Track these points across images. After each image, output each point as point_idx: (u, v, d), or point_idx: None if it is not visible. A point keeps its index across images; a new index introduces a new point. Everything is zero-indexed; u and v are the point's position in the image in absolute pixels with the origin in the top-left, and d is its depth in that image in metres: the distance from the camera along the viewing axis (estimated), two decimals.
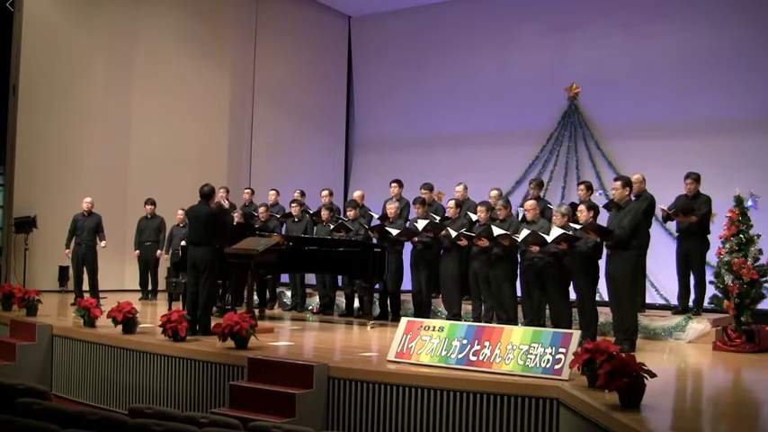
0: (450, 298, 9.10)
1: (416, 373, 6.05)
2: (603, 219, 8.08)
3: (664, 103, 12.53)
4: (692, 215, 8.39)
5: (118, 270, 12.33)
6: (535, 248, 7.77)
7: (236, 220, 10.54)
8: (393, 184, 10.32)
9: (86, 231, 10.59)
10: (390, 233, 9.29)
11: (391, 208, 9.75)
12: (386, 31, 15.81)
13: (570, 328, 7.29)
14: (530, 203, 8.37)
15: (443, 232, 8.91)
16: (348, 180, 16.31)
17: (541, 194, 10.15)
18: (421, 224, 9.21)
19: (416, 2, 15.01)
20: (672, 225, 9.45)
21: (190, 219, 8.37)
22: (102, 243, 10.73)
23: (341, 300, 10.65)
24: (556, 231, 7.54)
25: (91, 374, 7.88)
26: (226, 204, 10.65)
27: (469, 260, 8.87)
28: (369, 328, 8.99)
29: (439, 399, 5.84)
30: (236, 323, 6.93)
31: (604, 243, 7.38)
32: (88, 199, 10.75)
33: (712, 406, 5.55)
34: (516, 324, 7.92)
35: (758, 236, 7.80)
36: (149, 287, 11.78)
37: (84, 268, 10.57)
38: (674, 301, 9.46)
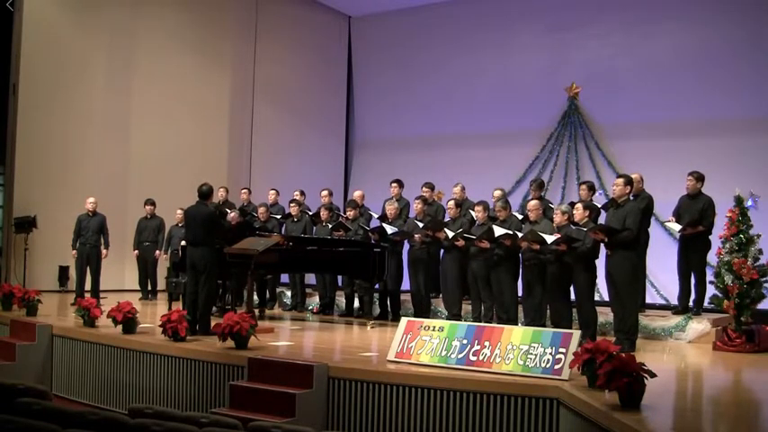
0: (451, 298, 9.09)
1: (416, 373, 6.05)
2: (603, 219, 8.09)
3: (664, 103, 12.53)
4: (699, 226, 8.41)
5: (118, 270, 12.31)
6: (536, 246, 7.77)
7: (234, 219, 10.55)
8: (393, 185, 10.33)
9: (90, 231, 10.60)
10: (386, 230, 9.30)
11: (391, 208, 9.75)
12: (386, 31, 15.82)
13: (570, 328, 7.28)
14: (533, 204, 8.37)
15: (442, 234, 8.91)
16: (348, 180, 16.32)
17: (542, 194, 10.14)
18: (420, 224, 9.24)
19: (416, 2, 15.01)
20: (671, 225, 9.45)
21: (188, 219, 8.35)
22: (104, 251, 10.73)
23: (341, 300, 10.65)
24: (551, 238, 7.54)
25: (91, 374, 7.88)
26: (232, 216, 10.63)
27: (468, 260, 8.87)
28: (369, 328, 8.99)
29: (439, 399, 5.84)
30: (236, 323, 6.92)
31: (604, 243, 7.37)
32: (92, 199, 10.74)
33: (712, 406, 5.55)
34: (516, 324, 7.93)
35: (758, 236, 7.80)
36: (149, 287, 11.79)
37: (88, 268, 10.59)
38: (674, 301, 9.47)
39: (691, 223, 8.43)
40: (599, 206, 8.50)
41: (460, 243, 8.75)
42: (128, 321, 7.78)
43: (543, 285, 7.92)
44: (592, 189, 9.10)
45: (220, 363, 6.80)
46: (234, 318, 6.99)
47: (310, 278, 11.43)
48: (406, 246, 9.74)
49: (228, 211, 10.92)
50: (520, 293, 8.41)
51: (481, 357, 6.04)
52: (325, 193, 10.88)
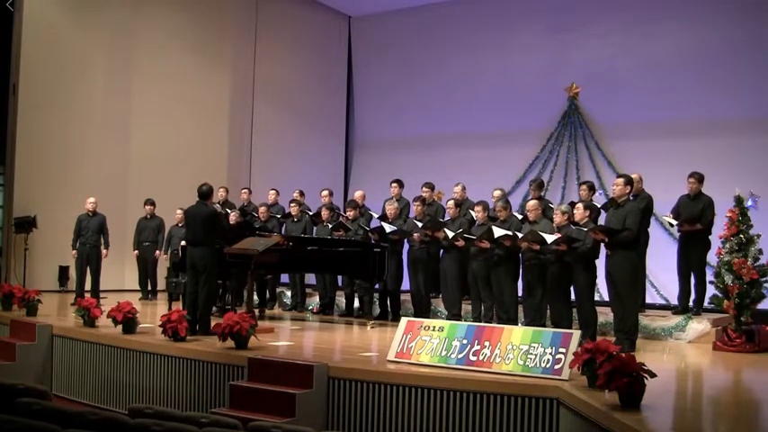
0: (451, 298, 9.09)
1: (416, 373, 6.05)
2: (602, 219, 8.09)
3: (664, 103, 12.53)
4: (697, 224, 8.40)
5: (118, 270, 12.31)
6: (536, 247, 7.77)
7: (233, 219, 10.55)
8: (393, 185, 10.32)
9: (91, 231, 10.60)
10: (384, 229, 9.30)
11: (391, 208, 9.75)
12: (386, 31, 15.82)
13: (570, 328, 7.28)
14: (532, 204, 8.37)
15: (441, 234, 8.91)
16: (348, 180, 16.32)
17: (542, 194, 10.14)
18: (419, 224, 9.25)
19: (416, 2, 15.01)
20: (668, 219, 9.46)
21: (188, 219, 8.35)
22: (104, 251, 10.73)
23: (341, 300, 10.65)
24: (551, 238, 7.54)
25: (91, 374, 7.88)
26: (232, 217, 10.65)
27: (469, 260, 8.87)
28: (369, 328, 8.99)
29: (439, 399, 5.84)
30: (236, 323, 6.92)
31: (604, 243, 7.37)
32: (92, 199, 10.74)
33: (712, 406, 5.55)
34: (516, 324, 7.93)
35: (758, 236, 7.80)
36: (149, 287, 11.79)
37: (88, 268, 10.59)
38: (674, 301, 9.47)
39: (688, 220, 8.43)
40: (599, 206, 8.51)
41: (460, 243, 8.74)
42: (128, 321, 7.78)
43: (543, 285, 7.91)
44: (592, 189, 9.11)
45: (220, 363, 6.80)
46: (234, 318, 6.99)
47: (310, 278, 11.43)
48: (406, 246, 9.74)
49: (229, 211, 10.93)
50: (520, 293, 8.41)
51: (481, 357, 6.03)
52: (325, 193, 10.88)
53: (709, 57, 12.16)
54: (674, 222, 8.60)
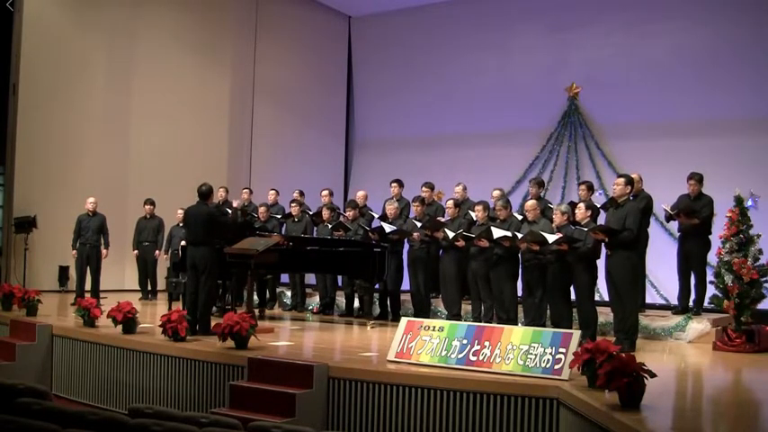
0: (450, 298, 9.09)
1: (416, 373, 6.05)
2: (602, 219, 8.10)
3: (663, 103, 12.53)
4: (694, 217, 8.40)
5: (118, 270, 12.32)
6: (535, 247, 7.77)
7: (239, 207, 10.56)
8: (393, 184, 10.32)
9: (91, 231, 10.61)
10: (384, 229, 9.31)
11: (391, 208, 9.75)
12: (386, 31, 15.82)
13: (570, 328, 7.28)
14: (530, 204, 8.38)
15: (441, 234, 8.91)
16: (348, 180, 16.33)
17: (541, 194, 10.14)
18: (418, 224, 9.25)
19: (416, 2, 15.01)
20: (673, 225, 9.48)
21: (188, 219, 8.35)
22: (105, 251, 10.73)
23: (341, 300, 10.64)
24: (552, 238, 7.54)
25: (91, 374, 7.88)
26: (237, 203, 10.66)
27: (468, 260, 8.87)
28: (369, 328, 8.98)
29: (439, 399, 5.84)
30: (236, 323, 6.93)
31: (604, 243, 7.38)
32: (92, 199, 10.75)
33: (712, 406, 5.55)
34: (516, 324, 7.93)
35: (758, 236, 7.80)
36: (149, 287, 11.79)
37: (88, 268, 10.59)
38: (674, 301, 9.47)
39: (685, 211, 8.42)
40: (598, 206, 8.51)
41: (461, 243, 8.74)
42: (128, 321, 7.78)
43: (543, 285, 7.92)
44: (590, 189, 9.12)
45: (220, 363, 6.80)
46: (234, 318, 6.99)
47: (310, 278, 11.43)
48: (406, 246, 9.74)
49: (229, 210, 10.92)
50: (520, 293, 8.41)
51: (481, 357, 6.04)
52: (325, 192, 10.89)
53: (710, 57, 12.16)
54: (672, 212, 8.59)
